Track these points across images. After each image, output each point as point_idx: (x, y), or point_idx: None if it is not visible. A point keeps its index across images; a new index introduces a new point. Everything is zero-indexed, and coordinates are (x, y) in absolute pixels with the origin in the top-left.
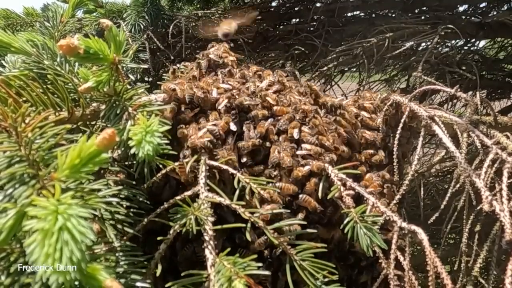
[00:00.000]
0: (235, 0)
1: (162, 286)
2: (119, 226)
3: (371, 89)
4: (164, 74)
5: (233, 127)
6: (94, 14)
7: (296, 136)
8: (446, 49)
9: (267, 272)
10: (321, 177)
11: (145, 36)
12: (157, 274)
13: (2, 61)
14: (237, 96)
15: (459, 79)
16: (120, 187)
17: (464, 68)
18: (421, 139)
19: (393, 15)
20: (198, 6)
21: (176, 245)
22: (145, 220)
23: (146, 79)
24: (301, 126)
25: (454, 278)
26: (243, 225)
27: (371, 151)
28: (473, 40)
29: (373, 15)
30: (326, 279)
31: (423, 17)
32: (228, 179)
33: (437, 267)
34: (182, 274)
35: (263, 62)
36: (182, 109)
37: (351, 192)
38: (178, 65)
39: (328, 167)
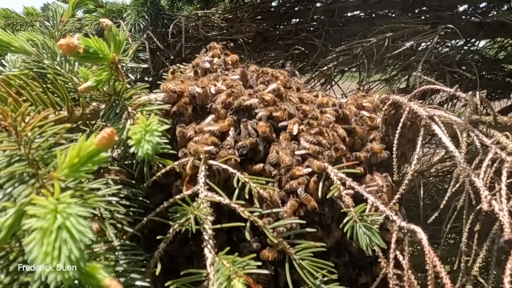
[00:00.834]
0: (235, 0)
1: (162, 285)
2: (119, 225)
3: (371, 89)
4: (164, 74)
5: (232, 130)
6: (94, 13)
7: (295, 132)
8: (446, 49)
9: (266, 271)
10: (321, 176)
11: (145, 35)
12: (157, 273)
13: (3, 60)
14: (236, 93)
15: (459, 79)
16: (119, 186)
17: (464, 68)
18: (420, 138)
19: (393, 15)
20: (198, 6)
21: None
22: (145, 219)
23: (146, 78)
24: (300, 125)
25: (454, 278)
26: (242, 224)
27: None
28: (473, 40)
29: (373, 15)
30: (326, 278)
31: (423, 17)
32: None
33: (436, 266)
34: (182, 273)
35: (263, 62)
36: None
37: (351, 191)
38: (178, 65)
39: (328, 167)
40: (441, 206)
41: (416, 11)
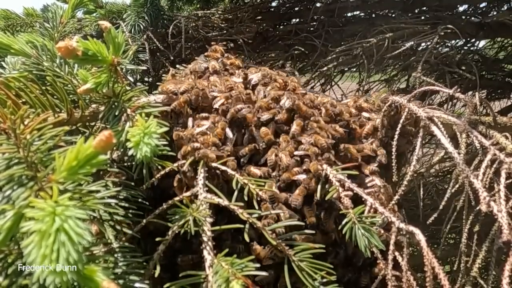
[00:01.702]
0: (235, 0)
1: (161, 286)
2: (118, 227)
3: (371, 89)
4: (163, 75)
5: (229, 133)
6: (94, 14)
7: (295, 134)
8: (446, 49)
9: (264, 273)
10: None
11: (144, 36)
12: (156, 275)
13: (2, 63)
14: (234, 96)
15: (459, 79)
16: (118, 188)
17: (464, 68)
18: (419, 139)
19: (393, 15)
20: (198, 6)
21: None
22: (144, 221)
23: (146, 79)
24: (300, 127)
25: (454, 278)
26: (241, 226)
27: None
28: (473, 40)
29: (373, 15)
30: (325, 280)
31: (423, 17)
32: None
33: (435, 267)
34: (180, 275)
35: (263, 63)
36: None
37: (349, 193)
38: (178, 66)
39: (326, 168)
40: (441, 207)
41: (416, 11)
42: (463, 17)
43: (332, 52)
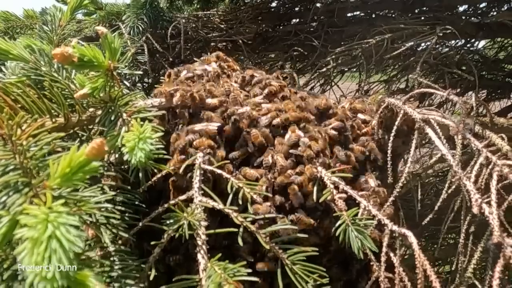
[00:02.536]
0: (235, 1)
1: None
2: (114, 231)
3: (370, 89)
4: (162, 78)
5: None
6: (94, 16)
7: (292, 137)
8: (446, 50)
9: (256, 279)
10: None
11: (144, 38)
12: (151, 278)
13: (2, 67)
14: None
15: (459, 79)
16: (114, 193)
17: (464, 68)
18: (414, 141)
19: (393, 16)
20: (198, 6)
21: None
22: (140, 224)
23: (145, 80)
24: (297, 130)
25: (453, 278)
26: (236, 229)
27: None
28: (472, 40)
29: (373, 15)
30: (318, 283)
31: (422, 18)
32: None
33: (427, 270)
34: (174, 279)
35: (263, 63)
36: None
37: (343, 195)
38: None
39: (321, 171)
40: (436, 208)
41: (416, 11)
42: (463, 17)
43: (332, 53)
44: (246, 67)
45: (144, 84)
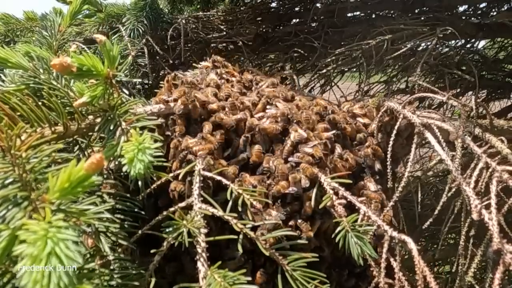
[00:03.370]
0: (235, 1)
1: None
2: (114, 239)
3: (370, 90)
4: (161, 82)
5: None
6: (94, 18)
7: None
8: (446, 50)
9: (255, 287)
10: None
11: (144, 40)
12: (151, 286)
13: (2, 75)
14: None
15: (459, 79)
16: (113, 202)
17: (464, 68)
18: (414, 145)
19: (393, 16)
20: (198, 6)
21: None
22: (140, 232)
23: (145, 81)
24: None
25: (454, 279)
26: (234, 237)
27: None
28: (472, 40)
29: (373, 16)
30: None
31: (422, 18)
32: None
33: (426, 276)
34: (174, 287)
35: (263, 64)
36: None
37: (343, 201)
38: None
39: (321, 176)
40: (437, 211)
41: (416, 11)
42: (463, 17)
43: (332, 53)
44: (246, 69)
45: (145, 85)
